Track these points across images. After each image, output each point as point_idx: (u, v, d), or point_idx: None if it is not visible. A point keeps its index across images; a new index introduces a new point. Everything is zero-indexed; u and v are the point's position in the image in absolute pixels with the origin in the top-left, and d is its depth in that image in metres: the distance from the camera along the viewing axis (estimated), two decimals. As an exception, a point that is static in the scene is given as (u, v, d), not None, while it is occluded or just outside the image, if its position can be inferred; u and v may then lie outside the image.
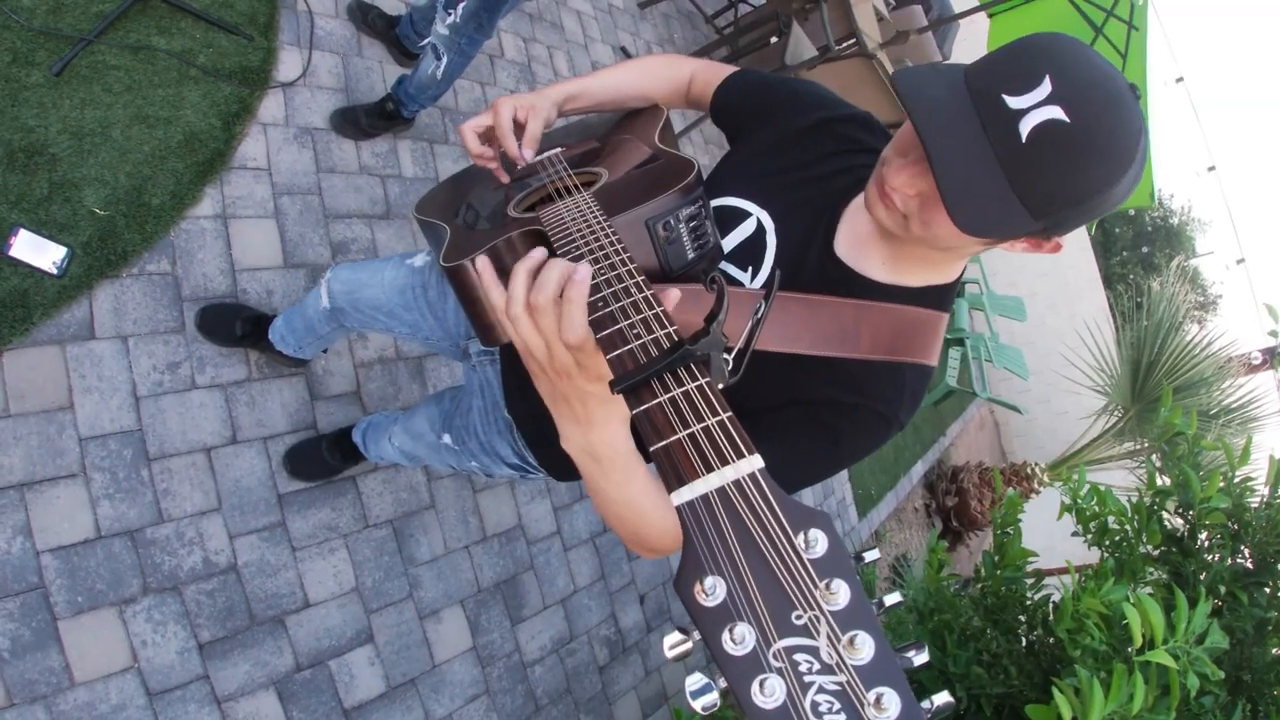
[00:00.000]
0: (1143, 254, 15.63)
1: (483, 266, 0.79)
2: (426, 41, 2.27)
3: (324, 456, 2.08)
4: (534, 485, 2.72)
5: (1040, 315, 7.85)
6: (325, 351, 2.20)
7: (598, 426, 0.74)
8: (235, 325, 2.00)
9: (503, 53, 3.33)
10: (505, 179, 1.17)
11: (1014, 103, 0.76)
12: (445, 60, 2.25)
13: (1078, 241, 8.29)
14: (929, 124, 0.79)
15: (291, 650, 1.97)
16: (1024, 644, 2.12)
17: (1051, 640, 2.01)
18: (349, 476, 2.20)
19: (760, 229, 1.07)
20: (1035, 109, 0.75)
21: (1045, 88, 0.75)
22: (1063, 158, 0.75)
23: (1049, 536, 3.12)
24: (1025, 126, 0.75)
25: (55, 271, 1.80)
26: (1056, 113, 0.74)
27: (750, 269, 1.05)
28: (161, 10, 2.16)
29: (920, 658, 0.43)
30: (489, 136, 1.13)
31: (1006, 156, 0.77)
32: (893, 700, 0.38)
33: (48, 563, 1.66)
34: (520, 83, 3.34)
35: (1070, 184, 0.77)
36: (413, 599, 2.26)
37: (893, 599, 0.48)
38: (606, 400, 0.71)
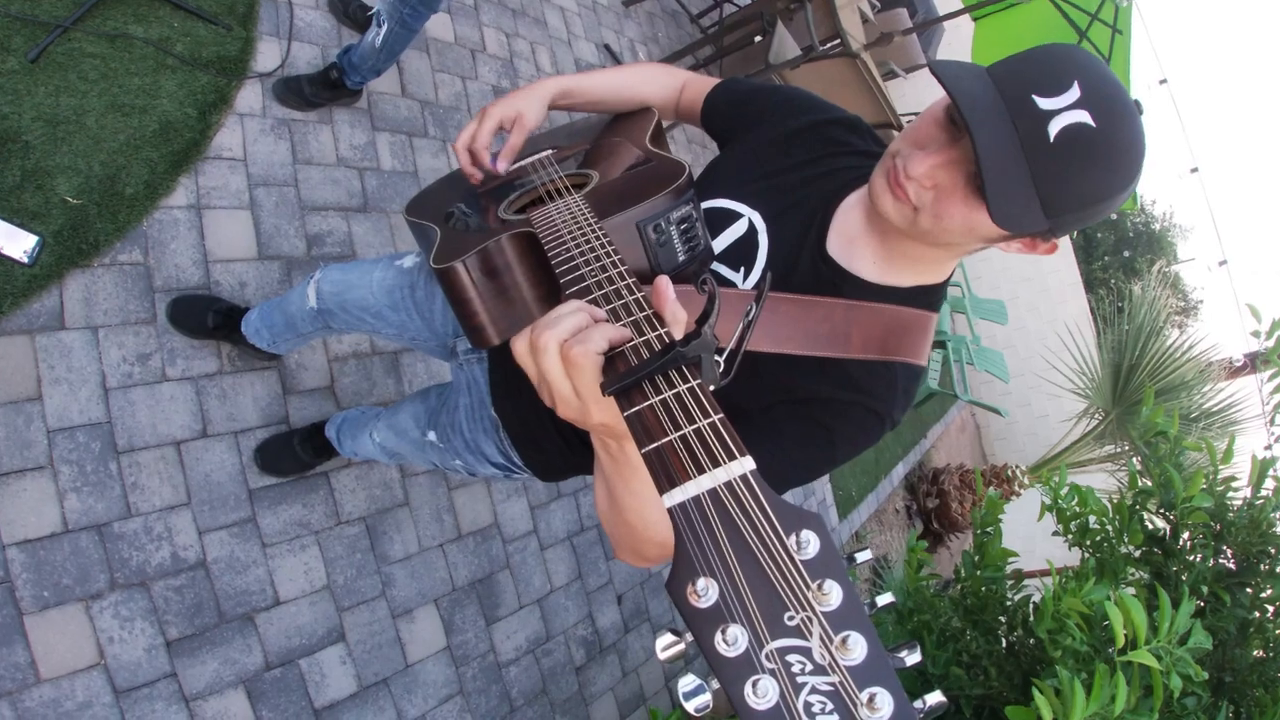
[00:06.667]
0: (1124, 258, 15.76)
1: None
2: (374, 10, 2.25)
3: (296, 452, 2.05)
4: (510, 484, 2.69)
5: (1021, 319, 7.89)
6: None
7: (615, 440, 0.73)
8: (207, 317, 1.97)
9: (484, 47, 3.31)
10: (494, 182, 1.17)
11: (1044, 103, 0.78)
12: (385, 28, 2.22)
13: (1059, 245, 8.34)
14: (974, 114, 0.80)
15: (261, 648, 1.93)
16: (1004, 645, 2.11)
17: (1032, 641, 2.00)
18: (321, 472, 2.16)
19: (752, 229, 1.07)
20: (1065, 111, 0.78)
21: (1074, 92, 0.78)
22: (1085, 160, 0.78)
23: (1029, 540, 3.13)
24: (1054, 127, 0.78)
25: (26, 260, 1.77)
26: (1084, 116, 0.77)
27: (743, 269, 1.05)
28: (138, -2, 2.13)
29: (913, 658, 0.44)
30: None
31: (1034, 154, 0.79)
32: (885, 700, 0.37)
33: (13, 556, 1.63)
34: (502, 78, 3.32)
35: (1088, 186, 0.80)
36: (385, 597, 2.23)
37: (885, 599, 0.49)
38: (621, 433, 0.69)
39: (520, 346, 0.67)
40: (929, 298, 1.03)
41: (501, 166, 1.15)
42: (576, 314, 0.65)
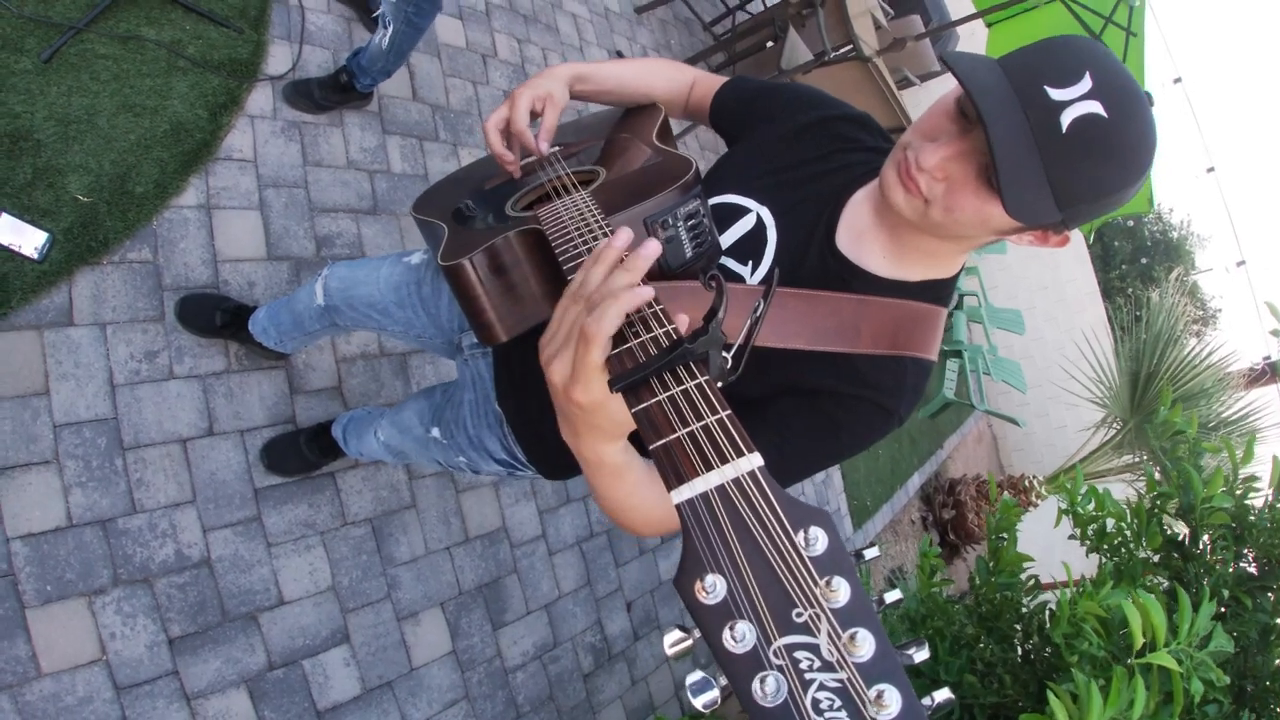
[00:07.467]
0: (1142, 266, 15.63)
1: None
2: (379, 12, 2.25)
3: (302, 451, 2.04)
4: (519, 487, 2.68)
5: (1039, 328, 7.82)
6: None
7: (582, 438, 0.73)
8: (215, 315, 1.98)
9: (496, 52, 3.32)
10: (519, 175, 1.17)
11: (1056, 94, 0.78)
12: (391, 30, 2.22)
13: (1077, 254, 8.28)
14: (987, 106, 0.79)
15: (264, 648, 1.92)
16: (1019, 653, 2.07)
17: (1048, 650, 1.95)
18: (328, 473, 2.16)
19: (760, 224, 1.07)
20: (1077, 102, 0.77)
21: (1086, 82, 0.77)
22: (1097, 151, 0.78)
23: (1048, 550, 3.07)
24: (1067, 118, 0.77)
25: (36, 256, 1.78)
26: (1096, 107, 0.77)
27: (750, 263, 1.05)
28: (152, 1, 2.16)
29: (921, 654, 0.44)
30: (508, 132, 1.15)
31: (1046, 145, 0.79)
32: (894, 697, 0.38)
33: (17, 550, 1.63)
34: (513, 83, 3.33)
35: (1101, 176, 0.80)
36: (391, 600, 2.21)
37: (893, 596, 0.49)
38: (591, 424, 0.70)
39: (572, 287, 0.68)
40: (939, 292, 1.02)
41: (544, 146, 1.15)
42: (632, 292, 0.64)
